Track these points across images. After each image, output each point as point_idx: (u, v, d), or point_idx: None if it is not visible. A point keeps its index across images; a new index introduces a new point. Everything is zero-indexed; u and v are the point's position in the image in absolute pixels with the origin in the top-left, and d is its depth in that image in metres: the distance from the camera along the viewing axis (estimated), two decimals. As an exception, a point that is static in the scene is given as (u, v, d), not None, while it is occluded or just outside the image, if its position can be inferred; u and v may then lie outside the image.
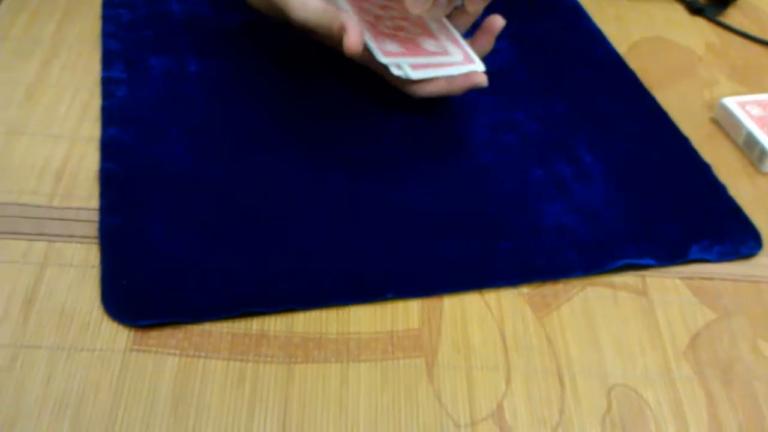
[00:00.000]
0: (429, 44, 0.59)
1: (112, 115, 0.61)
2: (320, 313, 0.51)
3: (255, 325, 0.49)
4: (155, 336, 0.48)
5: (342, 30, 0.55)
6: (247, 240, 0.53)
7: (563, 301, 0.53)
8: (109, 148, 0.58)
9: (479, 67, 0.59)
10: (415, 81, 0.59)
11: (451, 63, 0.59)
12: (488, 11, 0.63)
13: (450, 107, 0.66)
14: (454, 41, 0.61)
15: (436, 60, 0.58)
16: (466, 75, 0.59)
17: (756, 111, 0.67)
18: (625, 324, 0.52)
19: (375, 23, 0.59)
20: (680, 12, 0.83)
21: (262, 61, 0.67)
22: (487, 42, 0.62)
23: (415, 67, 0.57)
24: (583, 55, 0.74)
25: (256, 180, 0.57)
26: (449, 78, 0.59)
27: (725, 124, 0.68)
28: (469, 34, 0.63)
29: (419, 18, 0.61)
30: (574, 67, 0.72)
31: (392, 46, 0.58)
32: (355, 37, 0.55)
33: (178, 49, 0.67)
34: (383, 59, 0.57)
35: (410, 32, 0.60)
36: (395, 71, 0.57)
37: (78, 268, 0.51)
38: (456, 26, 0.63)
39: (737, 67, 0.76)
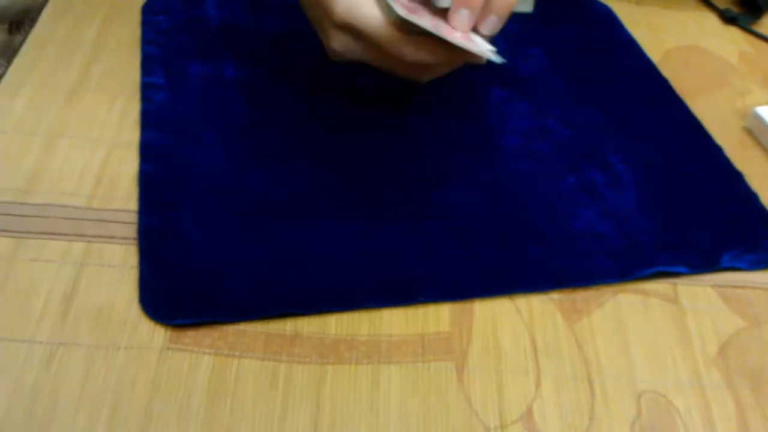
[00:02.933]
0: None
1: (150, 119, 0.62)
2: (352, 315, 0.51)
3: (289, 325, 0.50)
4: (191, 335, 0.49)
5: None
6: (282, 242, 0.54)
7: (594, 307, 0.53)
8: (147, 150, 0.59)
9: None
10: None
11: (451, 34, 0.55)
12: (521, 21, 0.63)
13: (483, 113, 0.66)
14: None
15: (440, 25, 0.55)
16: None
17: (790, 120, 0.67)
18: (656, 331, 0.52)
19: None
20: (713, 21, 0.83)
21: (297, 67, 0.68)
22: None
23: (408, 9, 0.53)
24: (616, 62, 0.74)
25: (292, 182, 0.58)
26: (448, 47, 0.54)
27: (758, 132, 0.68)
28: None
29: None
30: (606, 74, 0.72)
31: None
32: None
33: (214, 54, 0.69)
34: None
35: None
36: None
37: (116, 268, 0.52)
38: None
39: (771, 76, 0.76)
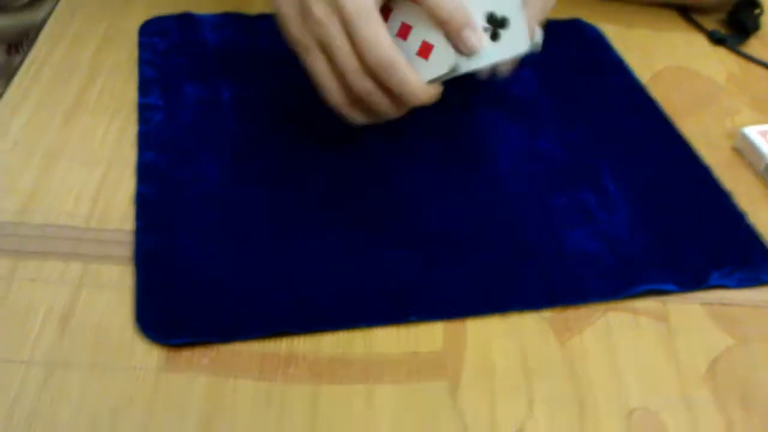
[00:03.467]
0: None
1: (148, 139, 0.63)
2: (347, 334, 0.52)
3: (284, 345, 0.51)
4: (187, 355, 0.50)
5: None
6: (277, 262, 0.55)
7: (585, 325, 0.54)
8: (145, 171, 0.60)
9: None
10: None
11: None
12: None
13: (475, 134, 0.67)
14: None
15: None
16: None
17: (777, 140, 0.68)
18: (646, 349, 0.53)
19: None
20: (702, 42, 0.84)
21: (292, 88, 0.69)
22: None
23: None
24: (606, 84, 0.75)
25: (288, 203, 0.59)
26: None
27: (746, 152, 0.69)
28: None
29: None
30: (597, 96, 0.73)
31: None
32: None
33: (211, 76, 0.70)
34: None
35: None
36: None
37: (113, 288, 0.53)
38: None
39: (758, 97, 0.77)
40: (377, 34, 0.52)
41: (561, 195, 0.63)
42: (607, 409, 0.49)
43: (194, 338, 0.50)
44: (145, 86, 0.68)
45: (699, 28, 0.86)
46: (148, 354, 0.49)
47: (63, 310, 0.51)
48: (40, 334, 0.50)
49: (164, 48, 0.72)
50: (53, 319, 0.51)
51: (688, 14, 0.87)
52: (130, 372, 0.48)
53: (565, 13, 0.84)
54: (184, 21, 0.76)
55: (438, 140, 0.66)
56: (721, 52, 0.83)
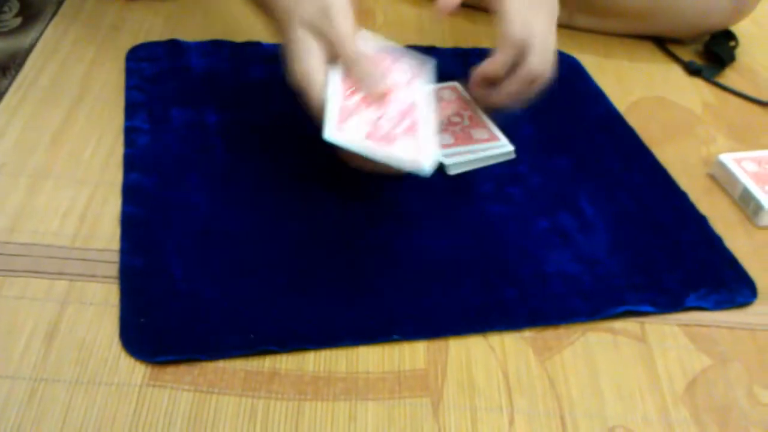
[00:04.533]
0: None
1: (134, 161, 0.63)
2: (330, 353, 0.52)
3: (267, 363, 0.51)
4: (171, 372, 0.50)
5: None
6: (261, 281, 0.55)
7: (565, 345, 0.55)
8: (130, 192, 0.61)
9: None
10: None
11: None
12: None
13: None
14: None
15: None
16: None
17: (751, 167, 0.70)
18: (625, 368, 0.54)
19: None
20: (678, 73, 0.86)
21: (278, 114, 0.70)
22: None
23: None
24: (585, 112, 0.77)
25: (271, 225, 0.60)
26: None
27: (722, 179, 0.71)
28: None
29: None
30: (575, 124, 0.75)
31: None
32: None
33: (197, 101, 0.70)
34: None
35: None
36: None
37: (98, 306, 0.53)
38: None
39: (733, 126, 0.79)
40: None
41: (541, 219, 0.64)
42: (588, 427, 0.50)
43: (178, 356, 0.50)
44: (131, 110, 0.69)
45: (675, 58, 0.88)
46: (132, 371, 0.50)
47: (48, 327, 0.51)
48: (26, 351, 0.50)
49: (151, 73, 0.73)
50: (39, 336, 0.51)
51: (664, 45, 0.89)
52: (114, 388, 0.49)
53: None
54: (172, 47, 0.77)
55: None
56: (698, 83, 0.85)
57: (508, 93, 0.65)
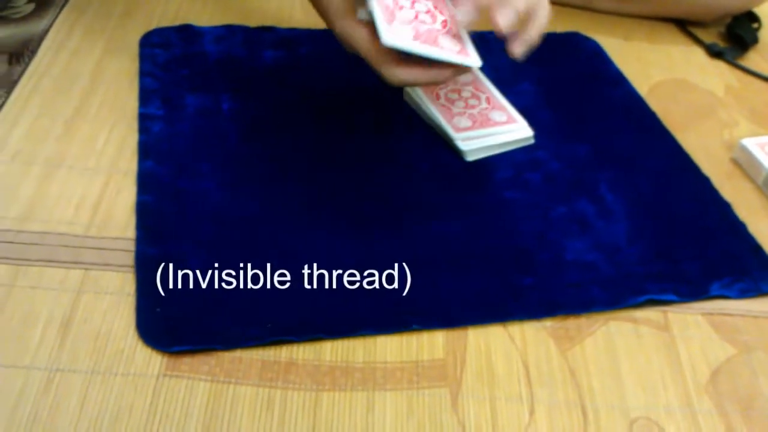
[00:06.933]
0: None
1: (148, 149, 0.63)
2: (348, 342, 0.52)
3: (284, 352, 0.51)
4: (187, 362, 0.50)
5: None
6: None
7: (586, 335, 0.54)
8: (145, 180, 0.60)
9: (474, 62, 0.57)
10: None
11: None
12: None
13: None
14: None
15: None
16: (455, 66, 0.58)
17: (775, 152, 0.68)
18: (647, 358, 0.53)
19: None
20: (700, 55, 0.85)
21: (292, 100, 0.69)
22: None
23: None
24: (605, 96, 0.76)
25: (287, 212, 0.59)
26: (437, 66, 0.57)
27: (745, 164, 0.69)
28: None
29: None
30: (596, 108, 0.74)
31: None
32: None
33: (212, 87, 0.70)
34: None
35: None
36: None
37: (113, 295, 0.53)
38: None
39: (757, 109, 0.77)
40: None
41: (560, 205, 0.63)
42: (609, 418, 0.49)
43: (194, 346, 0.50)
44: (145, 97, 0.68)
45: (697, 41, 0.86)
46: (149, 361, 0.49)
47: (64, 317, 0.51)
48: (41, 341, 0.50)
49: (165, 59, 0.72)
50: (54, 326, 0.50)
51: (686, 27, 0.88)
52: (130, 378, 0.48)
53: (563, 26, 0.85)
54: (185, 33, 0.76)
55: (437, 152, 0.66)
56: (720, 65, 0.84)
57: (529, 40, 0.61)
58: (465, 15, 0.58)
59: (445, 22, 0.58)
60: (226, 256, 0.55)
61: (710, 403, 0.51)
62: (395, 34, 0.53)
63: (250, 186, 0.61)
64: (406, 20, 0.55)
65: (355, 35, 0.56)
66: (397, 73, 0.56)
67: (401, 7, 0.56)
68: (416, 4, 0.58)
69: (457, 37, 0.57)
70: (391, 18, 0.55)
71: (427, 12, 0.58)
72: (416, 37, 0.54)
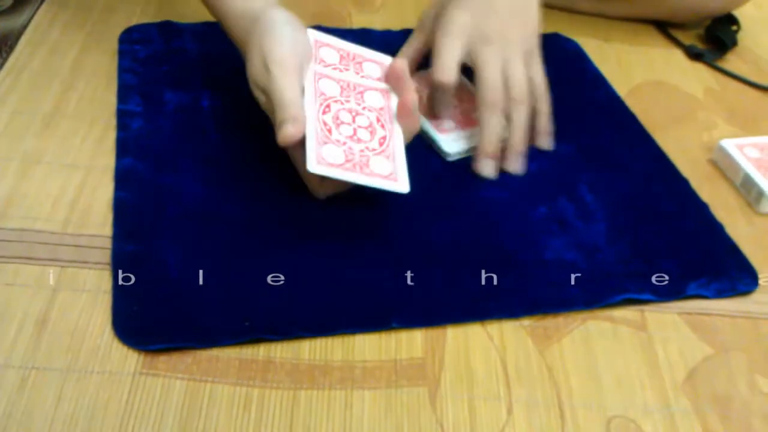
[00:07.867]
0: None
1: (127, 146, 0.62)
2: (326, 341, 0.52)
3: (262, 351, 0.50)
4: (164, 360, 0.49)
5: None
6: (255, 268, 0.54)
7: (564, 333, 0.54)
8: (123, 177, 0.60)
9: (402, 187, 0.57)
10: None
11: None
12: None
13: (455, 144, 0.68)
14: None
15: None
16: None
17: (753, 153, 0.69)
18: (625, 357, 0.53)
19: None
20: (680, 57, 0.85)
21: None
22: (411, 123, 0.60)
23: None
24: (585, 97, 0.76)
25: (266, 210, 0.59)
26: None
27: (723, 165, 0.70)
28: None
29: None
30: (575, 109, 0.74)
31: None
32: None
33: (192, 84, 0.69)
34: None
35: None
36: None
37: (90, 292, 0.52)
38: None
39: (735, 111, 0.78)
40: None
41: (540, 205, 0.63)
42: (587, 417, 0.50)
43: (171, 344, 0.50)
44: (124, 93, 0.67)
45: (677, 43, 0.87)
46: (125, 359, 0.49)
47: (39, 315, 0.51)
48: (17, 339, 0.49)
49: (145, 55, 0.72)
50: (30, 324, 0.50)
51: (665, 29, 0.88)
52: (106, 376, 0.48)
53: (544, 28, 0.85)
54: (165, 29, 0.76)
55: (419, 152, 0.66)
56: (699, 67, 0.84)
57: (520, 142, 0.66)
58: (407, 129, 0.59)
59: (383, 139, 0.58)
60: (204, 253, 0.55)
61: (687, 403, 0.51)
62: (321, 160, 0.54)
63: (228, 183, 0.61)
64: (341, 140, 0.56)
65: (294, 154, 0.58)
66: (320, 193, 0.59)
67: (340, 123, 0.57)
68: (358, 118, 0.58)
69: (391, 157, 0.57)
70: (324, 140, 0.55)
71: (368, 126, 0.58)
72: (346, 161, 0.55)
